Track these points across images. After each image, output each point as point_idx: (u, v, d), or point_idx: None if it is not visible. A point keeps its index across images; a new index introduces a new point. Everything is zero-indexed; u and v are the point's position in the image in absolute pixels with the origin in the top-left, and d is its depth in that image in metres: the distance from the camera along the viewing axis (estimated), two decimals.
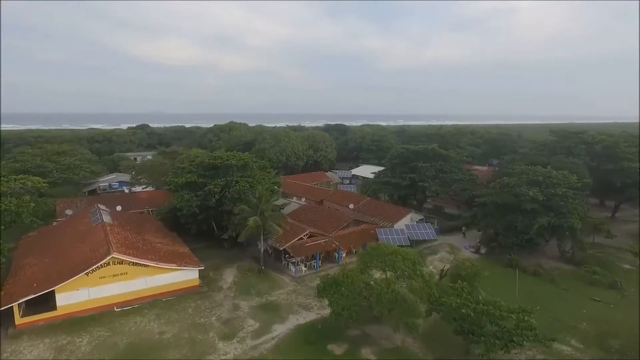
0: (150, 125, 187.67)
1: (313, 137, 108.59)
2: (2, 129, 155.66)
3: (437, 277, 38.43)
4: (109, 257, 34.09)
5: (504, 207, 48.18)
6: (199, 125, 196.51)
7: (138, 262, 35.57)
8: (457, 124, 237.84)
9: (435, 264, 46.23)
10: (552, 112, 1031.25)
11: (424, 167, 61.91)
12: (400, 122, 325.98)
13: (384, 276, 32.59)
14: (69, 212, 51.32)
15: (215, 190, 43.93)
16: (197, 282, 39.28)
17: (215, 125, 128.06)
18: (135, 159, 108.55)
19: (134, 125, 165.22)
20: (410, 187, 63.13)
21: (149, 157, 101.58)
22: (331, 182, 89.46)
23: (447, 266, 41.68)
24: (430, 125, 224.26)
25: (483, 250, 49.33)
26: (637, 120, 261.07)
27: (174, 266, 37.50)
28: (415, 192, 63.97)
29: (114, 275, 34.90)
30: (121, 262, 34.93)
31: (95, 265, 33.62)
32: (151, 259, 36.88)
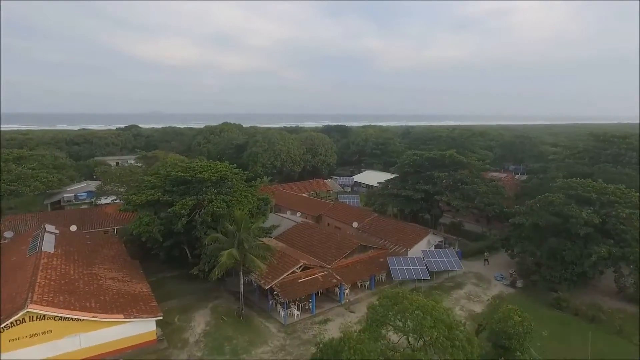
0: (148, 126, 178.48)
1: (311, 140, 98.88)
2: (2, 129, 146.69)
3: (469, 326, 29.11)
4: (22, 313, 24.57)
5: (543, 229, 38.87)
6: (193, 125, 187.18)
7: (66, 315, 26.10)
8: (459, 125, 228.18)
9: (462, 303, 36.65)
10: (553, 113, 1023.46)
11: (441, 177, 52.34)
12: (403, 123, 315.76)
13: (403, 337, 23.31)
14: (8, 234, 41.72)
15: (183, 212, 34.23)
16: (154, 336, 29.74)
17: (205, 126, 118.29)
18: (117, 163, 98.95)
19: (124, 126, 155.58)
20: (424, 201, 53.71)
21: (131, 161, 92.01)
22: (331, 192, 79.83)
23: (481, 308, 32.28)
24: (431, 126, 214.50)
25: (520, 284, 39.75)
26: (638, 121, 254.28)
27: (119, 318, 27.94)
28: (430, 206, 54.49)
29: (33, 336, 25.41)
30: (42, 317, 25.50)
31: (2, 326, 24.18)
32: (89, 309, 27.35)
